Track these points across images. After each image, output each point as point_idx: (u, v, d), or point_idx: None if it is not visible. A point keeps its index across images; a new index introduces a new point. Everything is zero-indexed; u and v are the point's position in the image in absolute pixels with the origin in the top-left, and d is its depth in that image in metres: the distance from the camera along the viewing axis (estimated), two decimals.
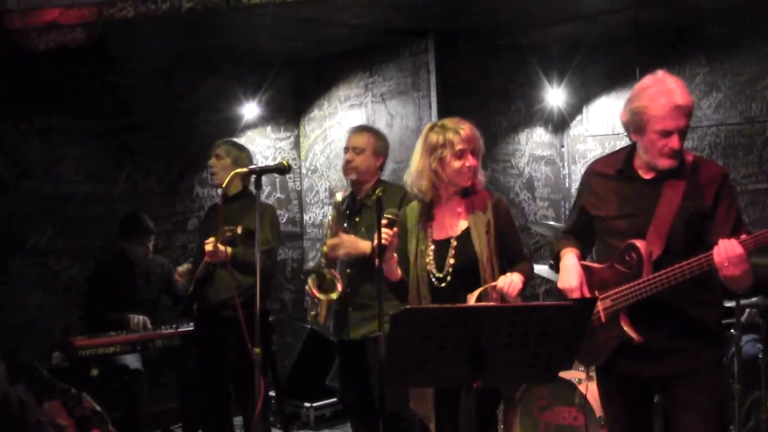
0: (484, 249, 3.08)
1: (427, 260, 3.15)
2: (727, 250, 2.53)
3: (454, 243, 3.13)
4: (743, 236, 2.56)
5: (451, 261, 3.11)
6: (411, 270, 3.19)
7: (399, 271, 3.18)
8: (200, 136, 6.03)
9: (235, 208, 4.35)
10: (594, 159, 3.76)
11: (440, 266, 3.13)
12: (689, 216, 2.71)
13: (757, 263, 2.71)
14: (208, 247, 4.15)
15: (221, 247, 4.13)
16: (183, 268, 4.59)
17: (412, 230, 3.23)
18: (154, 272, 5.14)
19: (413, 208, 3.28)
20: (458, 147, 3.10)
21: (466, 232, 3.13)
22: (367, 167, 4.03)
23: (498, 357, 2.35)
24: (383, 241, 2.97)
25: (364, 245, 3.85)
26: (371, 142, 4.07)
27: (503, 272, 3.11)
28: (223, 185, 4.23)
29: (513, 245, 3.20)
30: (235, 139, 4.96)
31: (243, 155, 4.51)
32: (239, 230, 4.14)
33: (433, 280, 3.13)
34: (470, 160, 3.12)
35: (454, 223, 3.17)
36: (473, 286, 3.06)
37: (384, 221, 3.00)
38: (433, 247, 3.16)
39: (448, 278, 3.11)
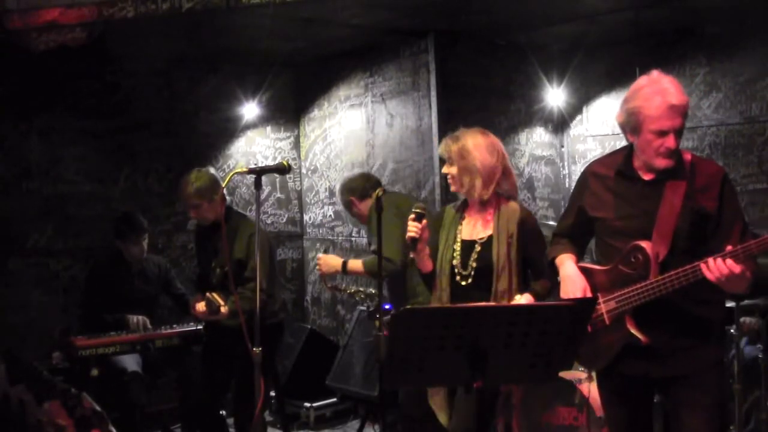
0: (501, 258, 3.24)
1: (454, 255, 3.33)
2: (720, 269, 2.54)
3: (477, 248, 3.31)
4: (728, 248, 2.56)
5: (474, 264, 3.29)
6: (437, 261, 3.37)
7: (430, 263, 3.36)
8: (200, 136, 6.03)
9: (221, 237, 4.34)
10: (594, 159, 3.75)
11: (465, 264, 3.31)
12: (692, 216, 2.71)
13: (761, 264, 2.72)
14: (201, 307, 4.26)
15: (221, 305, 4.22)
16: (201, 306, 4.35)
17: (445, 226, 3.42)
18: (151, 271, 5.14)
19: (450, 209, 3.51)
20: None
21: (490, 239, 3.30)
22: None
23: (498, 357, 2.35)
24: (414, 234, 3.17)
25: (335, 263, 4.40)
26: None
27: (523, 282, 3.29)
28: (225, 184, 4.26)
29: (535, 261, 3.31)
30: (196, 171, 4.47)
31: (209, 182, 4.41)
32: (224, 310, 4.19)
33: (457, 275, 3.31)
34: (444, 169, 3.39)
35: (482, 227, 3.35)
36: (488, 289, 3.25)
37: (412, 215, 3.18)
38: (460, 245, 3.34)
39: (470, 279, 3.29)
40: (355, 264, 4.33)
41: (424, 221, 3.20)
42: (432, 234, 3.35)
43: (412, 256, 3.29)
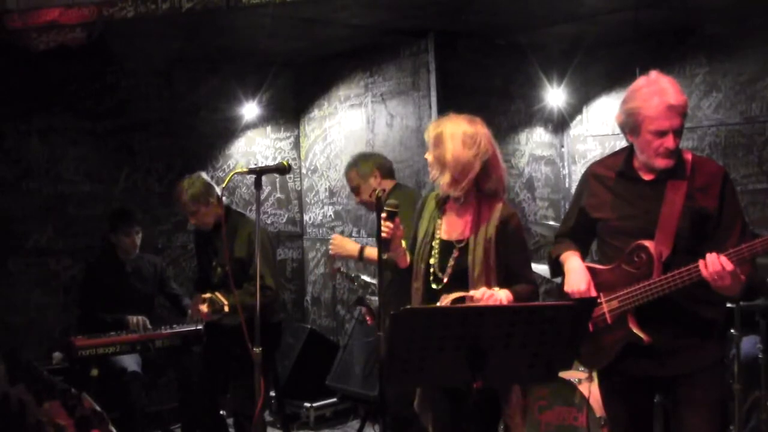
0: (478, 264, 3.01)
1: (432, 254, 3.12)
2: (715, 265, 2.55)
3: (455, 253, 3.08)
4: (730, 251, 2.56)
5: (449, 270, 3.08)
6: (413, 257, 3.18)
7: (408, 258, 3.19)
8: (200, 136, 6.03)
9: (220, 237, 4.33)
10: (594, 159, 3.75)
11: (443, 267, 3.09)
12: (693, 215, 2.71)
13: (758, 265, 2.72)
14: (203, 308, 4.21)
15: (224, 304, 4.18)
16: (204, 308, 4.26)
17: (425, 219, 3.20)
18: (147, 270, 5.15)
19: (432, 199, 3.26)
20: None
21: (468, 243, 3.07)
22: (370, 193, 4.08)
23: (498, 357, 2.35)
24: (385, 234, 2.98)
25: (352, 248, 4.05)
26: (353, 177, 4.27)
27: (502, 287, 3.02)
28: (225, 184, 4.26)
29: (516, 265, 3.08)
30: (188, 178, 4.51)
31: (203, 186, 4.40)
32: (226, 308, 4.14)
33: (431, 276, 3.10)
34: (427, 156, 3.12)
35: (461, 228, 3.11)
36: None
37: (383, 214, 2.99)
38: (438, 243, 3.13)
39: (445, 279, 3.07)
40: (373, 252, 3.94)
41: (397, 220, 3.02)
42: (413, 224, 3.21)
43: (385, 257, 3.04)
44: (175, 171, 5.74)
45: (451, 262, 3.07)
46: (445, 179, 3.03)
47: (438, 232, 3.14)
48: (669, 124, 2.67)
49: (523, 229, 3.19)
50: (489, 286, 2.97)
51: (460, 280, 3.04)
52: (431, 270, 3.11)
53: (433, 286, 3.09)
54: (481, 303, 2.87)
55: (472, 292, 2.95)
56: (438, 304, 2.98)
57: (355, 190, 4.32)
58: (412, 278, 3.17)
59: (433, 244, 3.13)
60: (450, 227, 3.14)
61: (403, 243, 3.16)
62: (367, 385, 5.13)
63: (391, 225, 2.99)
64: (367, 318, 4.23)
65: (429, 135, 3.10)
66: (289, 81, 6.44)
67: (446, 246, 3.11)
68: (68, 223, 5.47)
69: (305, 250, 6.58)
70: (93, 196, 5.56)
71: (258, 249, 3.24)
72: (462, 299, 2.96)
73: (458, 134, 3.02)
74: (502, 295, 2.92)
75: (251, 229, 4.27)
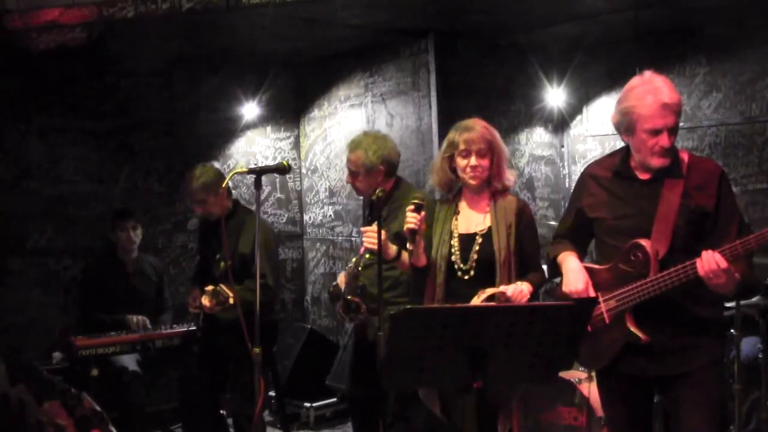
0: (503, 249, 3.20)
1: (452, 251, 3.27)
2: (710, 263, 2.55)
3: (479, 239, 3.25)
4: (724, 247, 2.57)
5: (475, 256, 3.23)
6: (432, 256, 3.31)
7: (425, 258, 3.30)
8: (200, 136, 6.03)
9: (227, 229, 4.30)
10: (594, 159, 3.76)
11: (465, 259, 3.24)
12: (690, 214, 2.72)
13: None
14: (205, 302, 4.19)
15: (229, 296, 4.13)
16: (206, 301, 4.21)
17: (438, 221, 3.36)
18: (148, 271, 5.15)
19: (442, 204, 3.43)
20: (461, 147, 3.25)
21: (490, 231, 3.25)
22: (368, 186, 3.86)
23: (498, 357, 2.35)
24: (413, 225, 3.12)
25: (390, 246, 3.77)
26: (360, 161, 3.86)
27: (520, 274, 3.22)
28: (225, 183, 4.26)
29: (530, 253, 3.30)
30: (201, 166, 4.53)
31: (215, 176, 4.41)
32: (231, 300, 4.08)
33: (458, 271, 3.24)
34: (473, 161, 3.23)
35: (480, 220, 3.29)
36: (491, 282, 3.18)
37: (410, 207, 3.14)
38: (457, 239, 3.28)
39: (472, 272, 3.22)
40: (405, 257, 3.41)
41: (423, 213, 3.15)
42: (426, 228, 3.30)
43: (410, 248, 3.20)
44: (175, 171, 5.74)
45: (476, 248, 3.23)
46: (505, 169, 3.29)
47: (455, 230, 3.30)
48: (663, 122, 2.68)
49: (534, 219, 3.40)
50: (511, 271, 3.18)
51: (486, 266, 3.21)
52: (455, 266, 3.25)
53: (465, 277, 3.22)
54: (514, 298, 3.06)
55: (502, 288, 3.11)
56: (472, 302, 3.09)
57: (353, 173, 3.94)
58: (434, 275, 3.29)
59: (452, 242, 3.28)
60: (467, 222, 3.31)
61: (422, 240, 3.27)
62: None
63: (418, 216, 3.13)
64: (341, 313, 3.85)
65: (482, 139, 3.24)
66: (289, 81, 6.44)
67: (466, 239, 3.28)
68: (68, 223, 5.47)
69: (305, 250, 6.58)
70: (93, 196, 5.56)
71: (258, 248, 3.24)
72: (494, 297, 3.09)
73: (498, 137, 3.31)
74: (527, 290, 3.13)
75: (263, 236, 4.26)
